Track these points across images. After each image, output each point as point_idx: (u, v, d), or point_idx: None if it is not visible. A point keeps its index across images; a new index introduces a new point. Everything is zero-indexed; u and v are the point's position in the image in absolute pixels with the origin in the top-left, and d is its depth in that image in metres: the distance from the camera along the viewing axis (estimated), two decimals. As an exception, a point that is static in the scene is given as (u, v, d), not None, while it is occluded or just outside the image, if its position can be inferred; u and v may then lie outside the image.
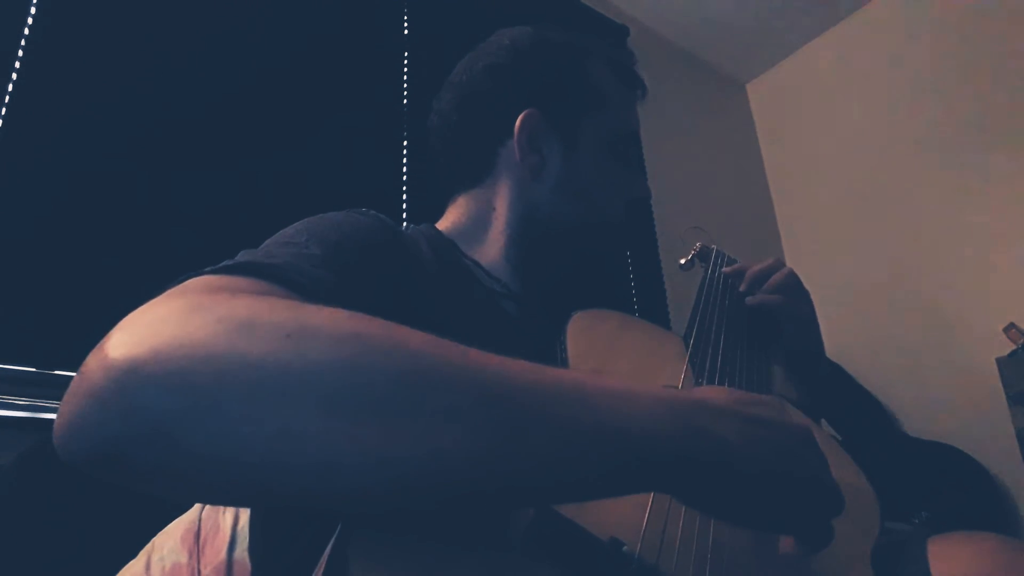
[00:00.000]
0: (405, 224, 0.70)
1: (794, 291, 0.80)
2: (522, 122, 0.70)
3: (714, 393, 0.43)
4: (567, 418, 0.35)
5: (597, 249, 0.75)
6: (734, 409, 0.41)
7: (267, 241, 0.53)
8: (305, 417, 0.30)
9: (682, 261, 0.93)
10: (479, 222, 0.73)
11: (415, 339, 0.35)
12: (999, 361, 1.94)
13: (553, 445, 0.34)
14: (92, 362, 0.32)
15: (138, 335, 0.32)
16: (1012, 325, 1.94)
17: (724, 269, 0.86)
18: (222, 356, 0.31)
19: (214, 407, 0.30)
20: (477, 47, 0.77)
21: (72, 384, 0.32)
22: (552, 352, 0.59)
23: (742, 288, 0.82)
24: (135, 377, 0.31)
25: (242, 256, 0.47)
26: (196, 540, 0.60)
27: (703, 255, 0.91)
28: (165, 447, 0.30)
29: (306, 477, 0.31)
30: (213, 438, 0.30)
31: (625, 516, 0.44)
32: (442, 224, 0.75)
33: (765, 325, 0.80)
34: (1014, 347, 1.92)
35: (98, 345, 0.33)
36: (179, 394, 0.30)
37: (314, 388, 0.31)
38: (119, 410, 0.30)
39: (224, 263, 0.44)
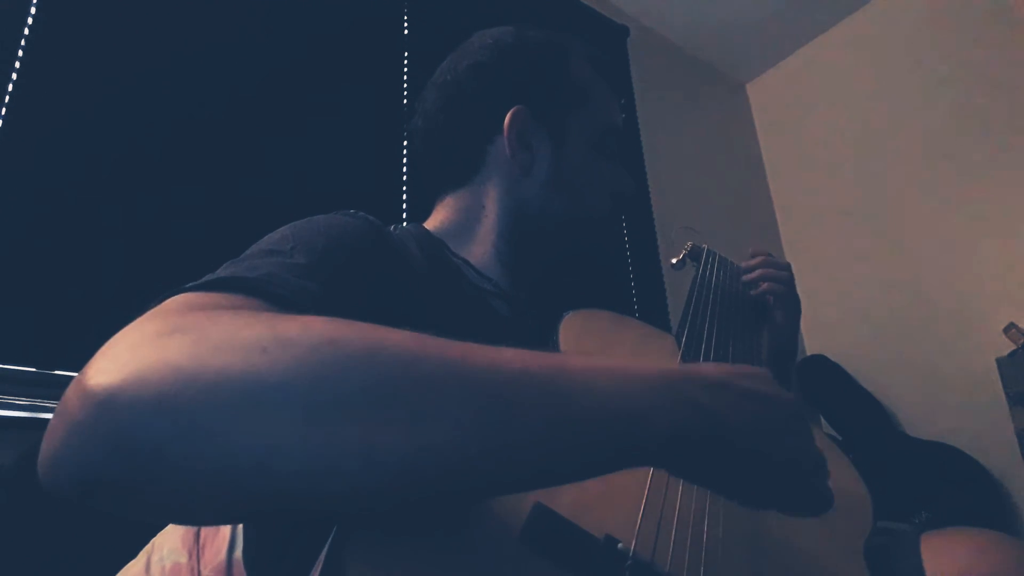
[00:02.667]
0: (394, 226, 0.70)
1: (794, 288, 0.86)
2: (512, 118, 0.71)
3: (705, 367, 0.42)
4: (557, 404, 0.34)
5: (586, 244, 0.75)
6: (726, 381, 0.41)
7: (252, 248, 0.52)
8: (289, 428, 0.30)
9: (673, 261, 0.94)
10: (468, 220, 0.73)
11: (392, 338, 0.34)
12: (999, 361, 1.94)
13: (541, 433, 0.33)
14: (73, 392, 0.32)
15: (117, 361, 0.32)
16: (1012, 325, 1.94)
17: (713, 261, 0.88)
18: (201, 375, 0.31)
19: (197, 427, 0.30)
20: (459, 48, 0.78)
21: (54, 416, 0.32)
22: (544, 351, 0.59)
23: (746, 277, 0.86)
24: (116, 403, 0.30)
25: (224, 269, 0.47)
26: (196, 540, 0.60)
27: (694, 254, 0.91)
28: (151, 472, 0.30)
29: (296, 487, 0.31)
30: (199, 458, 0.30)
31: (620, 513, 0.44)
32: (430, 224, 0.75)
33: (755, 322, 0.81)
34: (1014, 347, 1.92)
35: (78, 375, 0.33)
36: (162, 417, 0.30)
37: (294, 398, 0.31)
38: (102, 438, 0.30)
39: (205, 279, 0.44)
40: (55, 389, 1.06)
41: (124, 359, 0.32)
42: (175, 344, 0.33)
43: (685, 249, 0.93)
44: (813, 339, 2.42)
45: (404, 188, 1.65)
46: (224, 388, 0.31)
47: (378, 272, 0.56)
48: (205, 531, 0.60)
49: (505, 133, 0.71)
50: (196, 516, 0.39)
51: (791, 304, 0.85)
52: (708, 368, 0.42)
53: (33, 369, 1.07)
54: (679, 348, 0.69)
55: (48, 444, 0.32)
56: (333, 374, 0.32)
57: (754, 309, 0.84)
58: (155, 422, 0.30)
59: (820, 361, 2.34)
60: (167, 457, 0.30)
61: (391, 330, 0.35)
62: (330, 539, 0.35)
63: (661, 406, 0.37)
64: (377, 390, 0.32)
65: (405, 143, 1.69)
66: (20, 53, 1.23)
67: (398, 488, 0.32)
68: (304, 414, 0.31)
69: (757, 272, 0.86)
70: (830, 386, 2.28)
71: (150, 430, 0.30)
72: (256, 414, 0.31)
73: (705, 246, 0.92)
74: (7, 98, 1.19)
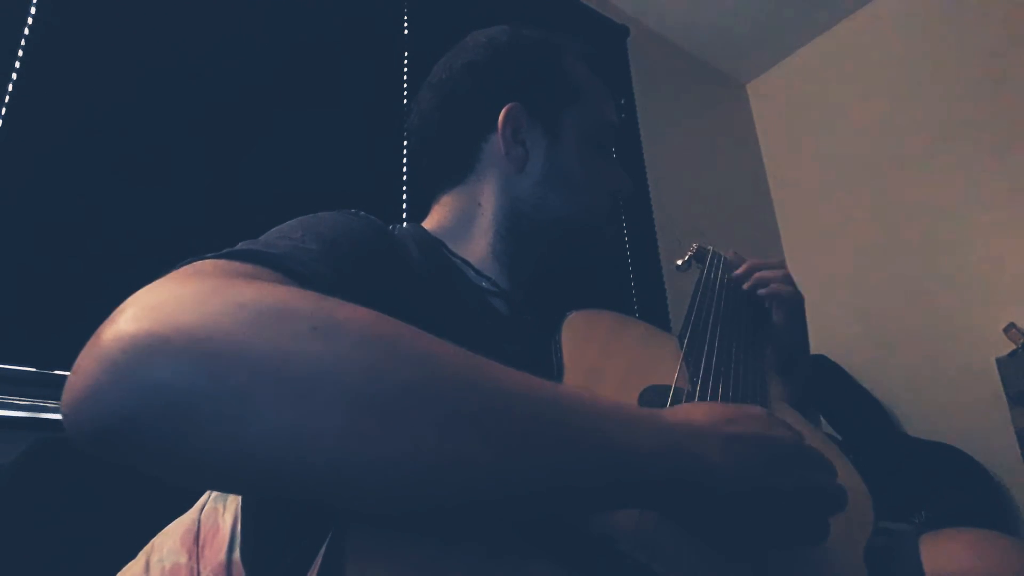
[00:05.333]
0: (392, 226, 0.70)
1: (792, 285, 0.83)
2: (506, 115, 0.71)
3: (698, 412, 0.44)
4: (573, 436, 0.36)
5: (584, 242, 0.75)
6: (717, 429, 0.42)
7: (262, 236, 0.53)
8: (329, 412, 0.31)
9: (679, 262, 0.93)
10: (465, 219, 0.73)
11: (434, 344, 0.35)
12: (999, 361, 1.94)
13: (556, 460, 0.35)
14: (107, 334, 0.31)
15: (160, 312, 0.32)
16: (1012, 325, 1.94)
17: (719, 262, 0.87)
18: (248, 342, 0.31)
19: (237, 392, 0.30)
20: (454, 48, 0.78)
21: (83, 356, 0.32)
22: (543, 351, 0.59)
23: (738, 272, 0.84)
24: (157, 353, 0.30)
25: (243, 246, 0.47)
26: (195, 541, 0.60)
27: (699, 256, 0.91)
28: (182, 427, 0.30)
29: (320, 472, 0.31)
30: (232, 423, 0.30)
31: (619, 513, 0.44)
32: (428, 223, 0.75)
33: (759, 323, 0.80)
34: (1014, 347, 1.92)
35: (109, 320, 0.32)
36: (203, 375, 0.30)
37: (340, 384, 0.31)
38: (137, 384, 0.30)
39: (227, 250, 0.44)
40: (55, 389, 1.06)
41: (168, 310, 0.32)
42: (219, 305, 0.33)
43: (690, 250, 0.92)
44: (813, 339, 2.40)
45: (404, 188, 1.65)
46: (270, 359, 0.31)
47: (381, 271, 0.56)
48: (205, 531, 0.60)
49: (499, 130, 0.71)
50: (211, 480, 0.39)
51: (791, 302, 0.81)
52: (700, 414, 0.43)
53: (33, 369, 1.07)
54: (682, 350, 0.68)
55: (77, 382, 0.31)
56: (382, 369, 0.33)
57: (759, 312, 0.83)
58: (196, 379, 0.30)
59: (820, 361, 2.34)
60: (201, 416, 0.30)
61: (431, 336, 0.36)
62: (329, 537, 0.35)
63: (659, 452, 0.39)
64: (420, 391, 0.33)
65: (405, 143, 1.69)
66: (20, 53, 1.23)
67: (421, 491, 0.32)
68: (347, 402, 0.31)
69: (752, 278, 0.82)
70: (830, 386, 2.28)
71: (190, 385, 0.30)
72: (299, 392, 0.31)
73: (710, 248, 0.92)
74: (7, 98, 1.19)
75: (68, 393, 0.31)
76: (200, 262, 0.41)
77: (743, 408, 0.45)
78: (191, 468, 0.32)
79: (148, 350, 0.30)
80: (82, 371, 0.31)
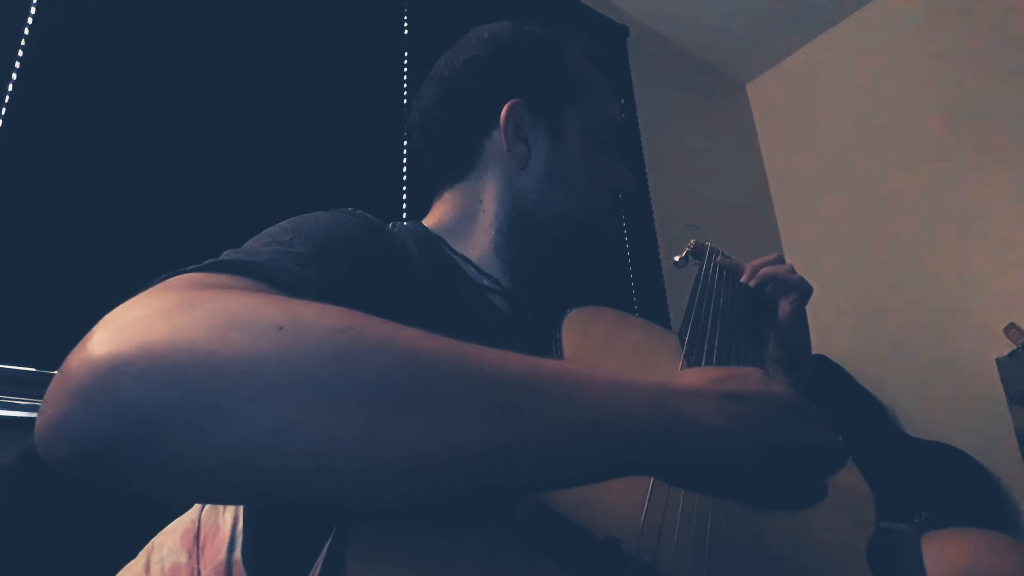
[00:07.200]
0: (392, 223, 0.69)
1: (795, 279, 0.82)
2: (508, 111, 0.70)
3: (690, 376, 0.43)
4: (557, 411, 0.35)
5: (586, 240, 0.74)
6: (710, 389, 0.41)
7: (251, 240, 0.52)
8: (301, 409, 0.30)
9: (676, 258, 0.92)
10: (467, 216, 0.73)
11: (407, 333, 0.35)
12: (999, 361, 1.94)
13: (543, 438, 0.34)
14: (74, 361, 0.31)
15: (126, 332, 0.32)
16: (1012, 325, 1.94)
17: (716, 259, 0.87)
18: (215, 350, 0.31)
19: (209, 401, 0.30)
20: (456, 44, 0.78)
21: (53, 385, 0.32)
22: (545, 349, 0.59)
23: (744, 279, 0.83)
24: (124, 373, 0.30)
25: (226, 255, 0.47)
26: (196, 540, 0.60)
27: (697, 252, 0.91)
28: (157, 443, 0.30)
29: (301, 470, 0.31)
30: (208, 432, 0.30)
31: (623, 514, 0.44)
32: (429, 221, 0.75)
33: (759, 319, 0.80)
34: (1014, 347, 1.92)
35: (78, 345, 0.32)
36: (172, 389, 0.30)
37: (309, 380, 0.31)
38: (108, 407, 0.30)
39: (207, 261, 0.44)
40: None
41: (133, 329, 0.32)
42: (187, 318, 0.32)
43: (688, 247, 0.92)
44: (813, 339, 2.41)
45: (404, 187, 1.65)
46: (238, 364, 0.31)
47: (376, 269, 0.56)
48: (205, 531, 0.60)
49: (501, 126, 0.70)
50: (198, 493, 0.39)
51: (799, 295, 0.80)
52: (693, 378, 0.42)
53: (33, 369, 1.07)
54: (682, 347, 0.68)
55: (48, 411, 0.31)
56: (351, 360, 0.32)
57: (759, 307, 0.83)
58: (165, 393, 0.30)
59: (820, 361, 2.34)
60: (174, 430, 0.30)
61: (403, 326, 0.35)
62: (330, 538, 0.35)
63: (651, 419, 0.38)
64: (393, 381, 0.32)
65: (405, 142, 1.69)
66: (20, 53, 1.23)
67: (404, 480, 0.32)
68: (318, 397, 0.31)
69: (759, 274, 0.83)
70: (830, 386, 2.28)
71: (160, 401, 0.29)
72: (270, 392, 0.30)
73: (708, 244, 0.91)
74: (7, 98, 1.19)
75: (41, 421, 0.31)
76: (174, 277, 0.40)
77: (737, 368, 0.44)
78: (175, 483, 0.32)
79: (116, 371, 0.30)
80: (53, 401, 0.31)
